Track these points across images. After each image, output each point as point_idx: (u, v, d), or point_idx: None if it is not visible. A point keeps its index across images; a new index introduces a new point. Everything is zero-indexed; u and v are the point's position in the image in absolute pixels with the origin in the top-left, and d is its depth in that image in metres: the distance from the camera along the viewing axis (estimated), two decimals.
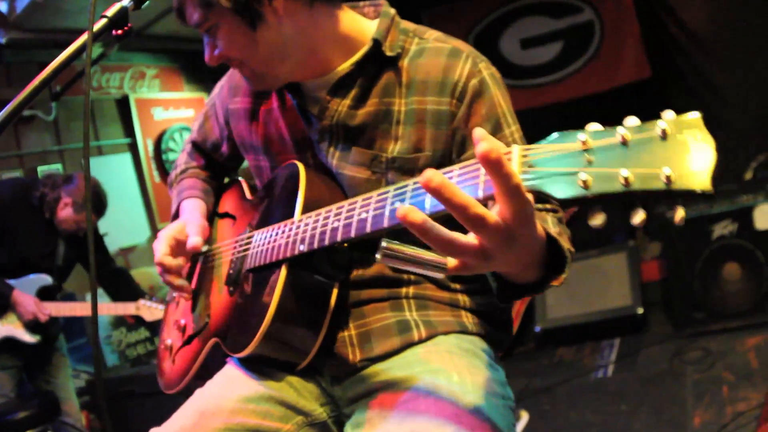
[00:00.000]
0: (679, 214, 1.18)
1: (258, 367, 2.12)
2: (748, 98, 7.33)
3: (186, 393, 2.34)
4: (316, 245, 1.83)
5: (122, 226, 7.21)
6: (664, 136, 1.15)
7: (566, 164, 1.20)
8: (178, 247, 2.31)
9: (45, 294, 5.22)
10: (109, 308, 5.42)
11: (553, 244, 1.55)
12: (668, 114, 1.17)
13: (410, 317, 2.11)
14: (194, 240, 2.30)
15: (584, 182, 1.17)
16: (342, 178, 2.13)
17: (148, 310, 5.20)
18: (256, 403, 2.02)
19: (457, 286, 2.19)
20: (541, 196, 1.24)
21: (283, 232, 1.99)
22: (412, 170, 2.03)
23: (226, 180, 2.77)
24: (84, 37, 1.72)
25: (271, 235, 2.05)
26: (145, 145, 7.73)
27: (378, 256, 1.29)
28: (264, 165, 2.35)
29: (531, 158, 1.25)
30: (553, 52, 8.13)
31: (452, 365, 1.97)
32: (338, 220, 1.75)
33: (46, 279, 5.25)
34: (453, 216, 1.24)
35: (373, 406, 1.98)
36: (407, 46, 2.12)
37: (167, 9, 6.01)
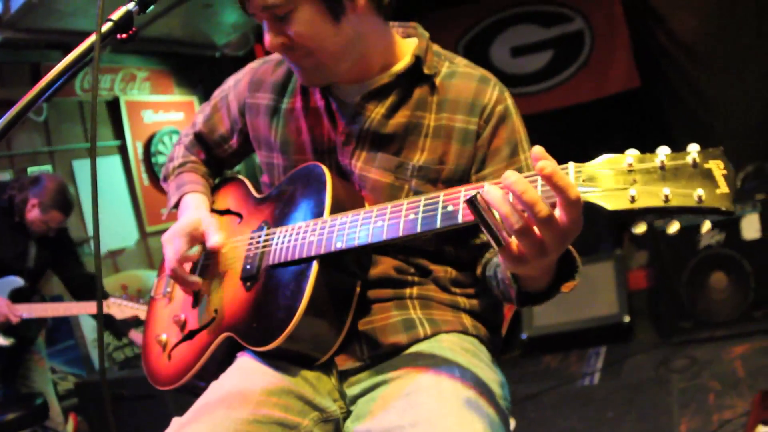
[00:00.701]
0: (675, 226, 1.47)
1: (274, 361, 2.13)
2: (737, 108, 7.36)
3: (180, 391, 2.35)
4: (356, 243, 1.93)
5: (111, 228, 7.21)
6: (694, 164, 1.41)
7: (617, 182, 1.46)
8: (193, 243, 2.34)
9: (17, 296, 5.20)
10: (79, 308, 5.38)
11: (567, 253, 1.77)
12: (694, 146, 1.44)
13: (415, 315, 2.19)
14: (216, 238, 2.31)
15: (632, 197, 1.43)
16: (365, 181, 2.22)
17: (119, 307, 5.15)
18: (278, 397, 2.03)
19: (457, 290, 2.27)
20: (593, 207, 1.48)
21: (314, 230, 2.05)
22: (434, 180, 2.18)
23: (217, 180, 2.77)
24: (91, 39, 1.73)
25: (298, 233, 2.10)
26: (135, 148, 7.72)
27: (468, 199, 1.52)
28: (278, 163, 2.40)
29: (585, 174, 1.50)
30: (543, 60, 8.16)
31: (455, 361, 2.04)
32: (382, 220, 1.88)
33: (17, 281, 5.24)
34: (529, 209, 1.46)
35: (376, 398, 2.03)
36: (440, 67, 2.28)
37: (159, 12, 6.03)
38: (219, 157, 2.70)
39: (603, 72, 7.88)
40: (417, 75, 2.23)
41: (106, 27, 1.77)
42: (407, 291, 2.22)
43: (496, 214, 1.51)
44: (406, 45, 2.30)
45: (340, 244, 1.95)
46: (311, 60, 2.11)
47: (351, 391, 2.14)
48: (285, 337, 1.97)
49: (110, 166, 7.50)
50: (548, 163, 1.41)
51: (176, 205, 2.57)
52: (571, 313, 6.85)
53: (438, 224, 1.74)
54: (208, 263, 2.42)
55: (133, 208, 7.65)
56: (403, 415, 1.88)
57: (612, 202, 1.46)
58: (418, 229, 1.78)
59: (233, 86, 2.56)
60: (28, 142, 6.67)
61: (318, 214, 2.09)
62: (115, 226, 7.29)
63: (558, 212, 1.48)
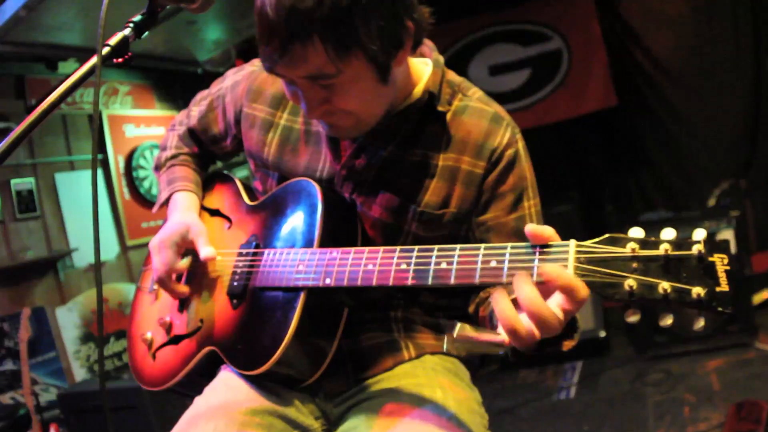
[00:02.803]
0: (668, 319, 1.42)
1: (260, 380, 2.12)
2: (712, 126, 7.51)
3: (158, 395, 2.37)
4: (345, 283, 1.86)
5: (92, 241, 7.21)
6: (699, 256, 1.37)
7: (616, 268, 1.43)
8: (181, 252, 2.30)
9: None
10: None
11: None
12: (699, 234, 1.39)
13: (399, 338, 2.20)
14: (207, 251, 2.24)
15: (630, 287, 1.40)
16: (364, 218, 2.15)
17: None
18: (261, 417, 2.03)
19: (441, 313, 2.28)
20: (594, 290, 1.45)
21: (302, 260, 1.99)
22: (435, 226, 2.11)
23: (213, 170, 2.72)
24: (93, 61, 1.79)
25: (287, 259, 2.04)
26: (116, 162, 7.73)
27: (448, 345, 1.63)
28: (271, 176, 2.33)
29: (584, 255, 1.47)
30: (521, 79, 8.22)
31: (436, 381, 2.07)
32: (372, 264, 1.81)
33: None
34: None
35: (362, 418, 2.03)
36: (453, 100, 2.16)
37: None
38: (212, 152, 2.64)
39: (580, 90, 7.93)
40: (429, 110, 2.10)
41: (104, 51, 1.83)
42: (392, 313, 2.23)
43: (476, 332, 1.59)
44: (419, 70, 2.15)
45: (329, 281, 1.89)
46: (350, 119, 1.97)
47: (336, 410, 2.17)
48: (270, 366, 1.96)
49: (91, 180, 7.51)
50: (553, 271, 1.44)
51: (166, 202, 2.49)
52: None
53: (429, 281, 1.69)
54: (196, 269, 2.37)
55: (114, 222, 7.66)
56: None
57: (609, 289, 1.44)
58: (409, 283, 1.72)
59: (231, 88, 2.45)
60: (11, 155, 6.69)
61: (309, 241, 2.03)
62: None
63: (562, 301, 1.49)
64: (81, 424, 5.60)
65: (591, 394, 5.96)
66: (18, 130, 1.68)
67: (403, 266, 1.74)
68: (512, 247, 1.59)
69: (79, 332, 6.86)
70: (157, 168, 2.64)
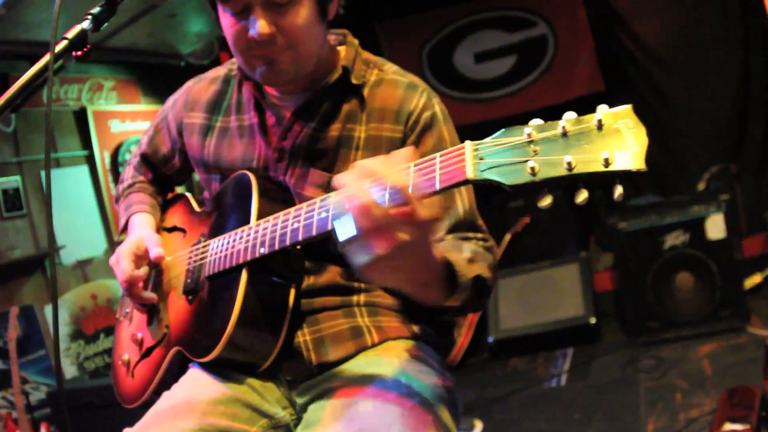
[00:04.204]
0: (582, 195, 1.38)
1: (222, 370, 2.15)
2: (701, 110, 7.50)
3: (145, 407, 2.39)
4: (277, 246, 1.92)
5: (79, 238, 7.20)
6: (600, 126, 1.36)
7: (515, 155, 1.41)
8: (139, 262, 2.34)
9: None
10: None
11: (451, 267, 1.77)
12: (603, 107, 1.38)
13: (362, 323, 2.20)
14: (157, 251, 2.34)
15: (532, 169, 1.37)
16: (300, 198, 2.19)
17: None
18: (225, 405, 2.06)
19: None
20: (494, 185, 1.43)
21: (241, 237, 2.07)
22: None
23: (170, 195, 2.81)
24: (46, 59, 1.78)
25: (228, 242, 2.12)
26: (102, 158, 7.70)
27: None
28: (214, 178, 2.41)
29: (482, 151, 1.46)
30: (506, 65, 8.21)
31: (401, 368, 2.05)
32: (297, 222, 1.87)
33: None
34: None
35: (325, 406, 2.04)
36: (368, 76, 2.25)
37: (124, 23, 6.05)
38: (166, 175, 2.74)
39: (567, 76, 7.94)
40: (346, 86, 2.22)
41: (61, 45, 1.82)
42: (354, 298, 2.23)
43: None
44: (337, 52, 2.30)
45: (263, 250, 1.97)
46: (289, 54, 2.08)
47: (300, 398, 2.16)
48: (222, 347, 2.00)
49: (78, 176, 7.48)
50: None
51: (126, 228, 2.59)
52: (538, 315, 6.90)
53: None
54: (159, 280, 2.44)
55: (101, 218, 7.62)
56: (349, 425, 1.90)
57: (510, 177, 1.40)
58: (329, 227, 1.76)
59: (171, 106, 2.58)
60: None
61: (245, 221, 2.11)
62: (84, 235, 7.28)
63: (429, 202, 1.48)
64: (72, 423, 5.58)
65: (582, 382, 5.97)
66: None
67: (323, 214, 1.80)
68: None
69: (68, 329, 6.84)
70: (117, 200, 2.77)
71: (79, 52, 1.87)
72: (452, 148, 1.52)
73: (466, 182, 1.49)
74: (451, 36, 8.37)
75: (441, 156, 1.53)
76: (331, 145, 2.20)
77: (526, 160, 1.38)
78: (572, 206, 7.41)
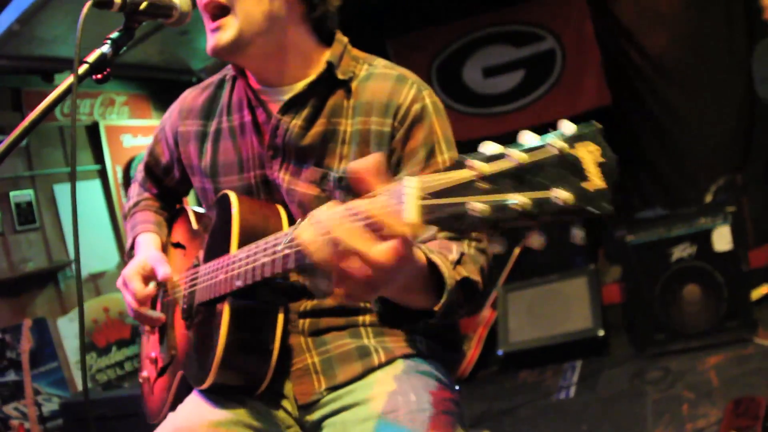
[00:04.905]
0: (535, 240, 1.18)
1: (223, 393, 2.18)
2: (707, 123, 7.50)
3: None
4: (250, 281, 1.92)
5: (92, 251, 7.25)
6: (559, 155, 1.13)
7: (461, 194, 1.19)
8: (146, 282, 2.37)
9: None
10: None
11: (436, 270, 1.69)
12: (566, 127, 1.15)
13: (369, 343, 2.22)
14: (164, 270, 2.35)
15: (479, 211, 1.16)
16: (293, 195, 2.22)
17: None
18: (226, 428, 2.10)
19: None
20: (443, 227, 1.26)
21: (222, 267, 2.08)
22: None
23: (178, 206, 2.82)
24: (69, 81, 1.84)
25: (212, 271, 2.14)
26: (114, 172, 7.75)
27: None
28: (208, 187, 2.42)
29: (426, 190, 1.24)
30: (515, 80, 8.26)
31: (409, 386, 2.09)
32: (266, 256, 1.85)
33: None
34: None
35: (336, 424, 2.09)
36: (357, 71, 2.24)
37: (137, 39, 6.09)
38: (169, 187, 2.74)
39: (574, 90, 7.96)
40: (332, 81, 2.21)
41: (82, 69, 1.88)
42: (360, 318, 2.25)
43: None
44: (325, 54, 2.26)
45: (239, 283, 1.97)
46: (234, 21, 2.09)
47: (310, 419, 2.20)
48: (213, 378, 2.04)
49: (90, 190, 7.54)
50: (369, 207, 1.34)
51: (132, 246, 2.60)
52: (547, 328, 6.91)
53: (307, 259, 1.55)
54: (166, 300, 2.47)
55: (113, 232, 7.67)
56: None
57: (456, 221, 1.21)
58: (290, 265, 1.73)
59: (167, 118, 2.59)
60: (9, 167, 6.70)
61: (227, 249, 2.09)
62: (96, 249, 7.33)
63: (385, 247, 1.35)
64: None
65: (590, 394, 5.96)
66: (9, 139, 1.73)
67: (286, 251, 1.75)
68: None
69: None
70: (124, 218, 2.77)
71: (99, 75, 1.92)
72: (395, 184, 1.34)
73: None
74: (460, 51, 8.42)
75: (385, 193, 1.37)
76: (317, 141, 2.20)
77: (470, 201, 1.17)
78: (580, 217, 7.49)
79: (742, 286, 6.16)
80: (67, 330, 6.82)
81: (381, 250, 1.35)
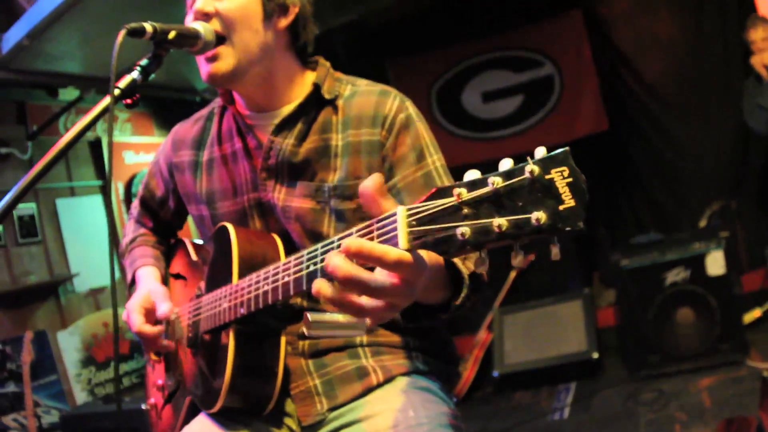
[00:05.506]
0: (553, 251, 1.26)
1: (230, 415, 2.25)
2: (703, 148, 7.60)
3: None
4: (253, 308, 1.98)
5: (93, 266, 7.27)
6: (532, 179, 1.21)
7: (446, 220, 1.29)
8: (149, 316, 2.41)
9: None
10: None
11: (452, 267, 1.80)
12: (538, 152, 1.24)
13: (367, 363, 2.29)
14: (164, 307, 2.40)
15: (462, 235, 1.26)
16: (289, 212, 2.30)
17: None
18: None
19: (408, 329, 2.37)
20: (432, 250, 1.34)
21: (225, 296, 2.14)
22: (351, 196, 2.24)
23: (173, 240, 2.90)
24: (105, 102, 1.93)
25: (215, 300, 2.20)
26: (116, 188, 7.83)
27: (306, 331, 1.54)
28: (205, 214, 2.51)
29: (414, 218, 1.34)
30: (514, 105, 8.32)
31: (408, 402, 2.16)
32: (267, 284, 1.91)
33: None
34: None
35: None
36: (341, 90, 2.36)
37: (143, 57, 6.11)
38: (165, 220, 2.83)
39: (572, 115, 8.03)
40: (319, 101, 2.33)
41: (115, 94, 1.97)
42: (357, 339, 2.33)
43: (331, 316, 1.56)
44: (310, 77, 2.40)
45: (242, 310, 2.03)
46: (227, 45, 2.19)
47: None
48: (222, 402, 2.11)
49: (92, 206, 7.58)
50: (351, 241, 1.36)
51: (133, 281, 2.67)
52: (542, 350, 6.97)
53: (304, 286, 1.71)
54: (172, 328, 2.52)
55: (115, 247, 7.71)
56: None
57: (443, 246, 1.31)
58: (291, 292, 1.78)
59: (161, 151, 2.70)
60: (13, 180, 6.72)
61: (228, 279, 2.16)
62: (97, 264, 7.35)
63: (385, 275, 1.42)
64: None
65: (584, 415, 6.03)
66: (35, 170, 1.80)
67: (286, 278, 1.80)
68: (323, 245, 1.63)
69: (79, 356, 6.92)
70: (122, 255, 2.85)
71: (128, 100, 2.01)
72: (387, 215, 1.43)
73: None
74: (459, 75, 8.50)
75: (377, 223, 1.45)
76: (310, 157, 2.30)
77: (457, 226, 1.28)
78: (576, 243, 7.57)
79: (735, 309, 6.23)
80: (67, 343, 6.85)
81: (380, 278, 1.42)
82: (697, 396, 5.68)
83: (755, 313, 6.68)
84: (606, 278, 7.76)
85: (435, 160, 2.27)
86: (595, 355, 6.75)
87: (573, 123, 8.01)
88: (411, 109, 2.32)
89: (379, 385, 2.26)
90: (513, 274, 7.35)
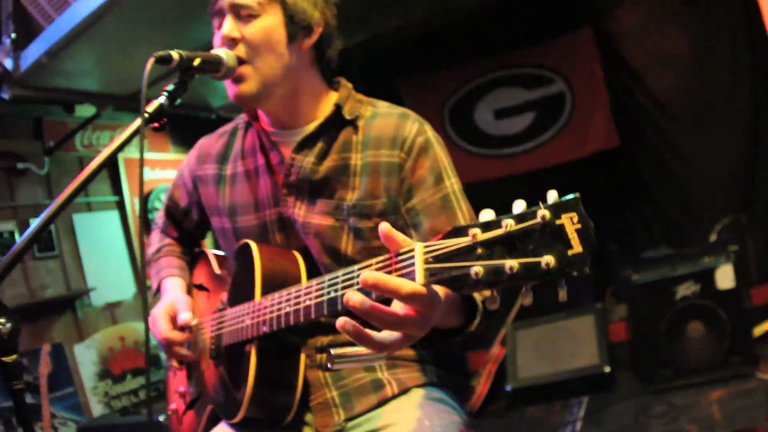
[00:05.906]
0: (561, 293, 1.35)
1: (251, 424, 2.30)
2: (713, 163, 7.58)
3: None
4: (275, 327, 2.08)
5: (109, 281, 7.35)
6: (544, 223, 1.28)
7: (461, 259, 1.38)
8: (174, 323, 2.52)
9: None
10: None
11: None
12: (550, 196, 1.31)
13: (382, 376, 2.36)
14: (185, 316, 2.50)
15: (476, 274, 1.34)
16: (308, 228, 2.36)
17: None
18: None
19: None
20: (447, 286, 1.42)
21: (249, 313, 2.23)
22: (369, 215, 2.30)
23: (196, 250, 2.98)
24: (136, 124, 2.05)
25: (239, 316, 2.29)
26: (132, 204, 7.87)
27: (330, 365, 1.62)
28: (227, 227, 2.58)
29: (431, 254, 1.43)
30: (525, 122, 8.36)
31: (423, 412, 2.23)
32: (289, 306, 2.01)
33: None
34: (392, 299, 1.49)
35: None
36: (362, 112, 2.42)
37: (159, 76, 6.15)
38: (188, 230, 2.92)
39: (583, 132, 8.05)
40: (340, 121, 2.38)
41: (139, 121, 2.09)
42: None
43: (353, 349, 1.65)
44: (332, 97, 2.46)
45: (265, 329, 2.12)
46: (250, 68, 2.26)
47: None
48: (243, 413, 2.19)
49: (108, 221, 7.65)
50: (369, 274, 1.45)
51: (158, 290, 2.77)
52: (555, 364, 6.97)
53: (325, 311, 1.84)
54: (195, 338, 2.60)
55: (130, 262, 7.77)
56: None
57: (457, 283, 1.38)
58: (312, 316, 1.90)
59: (186, 164, 2.79)
60: (30, 195, 6.80)
61: (251, 296, 2.24)
62: (113, 278, 7.42)
63: (401, 308, 1.52)
64: None
65: (596, 428, 6.04)
66: (67, 191, 1.88)
67: (307, 302, 1.92)
68: (344, 273, 1.76)
69: (96, 369, 6.97)
70: (148, 263, 2.95)
71: (156, 123, 2.09)
72: (405, 250, 1.53)
73: None
74: (472, 93, 8.53)
75: (396, 257, 1.55)
76: (330, 175, 2.35)
77: (471, 265, 1.35)
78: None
79: (745, 322, 6.23)
80: (84, 356, 6.90)
81: (397, 311, 1.51)
82: (708, 409, 5.69)
83: (765, 326, 6.67)
84: (618, 293, 7.74)
85: (453, 183, 2.32)
86: (607, 369, 6.73)
87: (584, 139, 8.03)
88: (430, 132, 2.37)
89: (395, 397, 2.31)
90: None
